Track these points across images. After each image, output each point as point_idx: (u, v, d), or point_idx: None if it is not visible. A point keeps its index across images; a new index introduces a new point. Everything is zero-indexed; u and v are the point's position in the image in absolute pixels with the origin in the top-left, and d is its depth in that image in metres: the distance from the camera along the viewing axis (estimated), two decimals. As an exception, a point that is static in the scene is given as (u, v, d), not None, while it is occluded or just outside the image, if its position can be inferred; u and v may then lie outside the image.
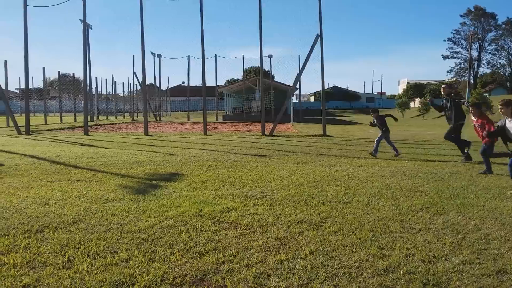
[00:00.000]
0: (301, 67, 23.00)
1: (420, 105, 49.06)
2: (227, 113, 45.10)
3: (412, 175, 8.19)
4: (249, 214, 5.21)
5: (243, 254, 3.84)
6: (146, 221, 4.87)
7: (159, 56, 42.20)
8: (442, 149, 13.14)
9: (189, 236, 4.34)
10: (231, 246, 4.08)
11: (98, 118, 39.74)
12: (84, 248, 3.97)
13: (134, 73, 41.22)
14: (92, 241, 4.17)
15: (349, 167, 9.32)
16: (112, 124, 32.75)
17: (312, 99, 77.32)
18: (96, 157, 10.69)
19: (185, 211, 5.27)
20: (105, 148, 13.02)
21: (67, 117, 39.66)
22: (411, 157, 11.10)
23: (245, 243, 4.14)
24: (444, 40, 79.64)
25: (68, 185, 7.07)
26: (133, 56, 43.75)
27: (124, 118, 47.69)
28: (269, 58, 42.20)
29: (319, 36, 19.52)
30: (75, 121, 34.75)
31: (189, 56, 42.75)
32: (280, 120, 21.66)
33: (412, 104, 59.63)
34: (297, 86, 28.29)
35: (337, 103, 71.02)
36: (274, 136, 19.27)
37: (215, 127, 27.82)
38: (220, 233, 4.48)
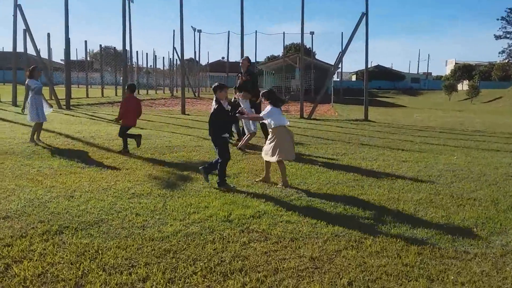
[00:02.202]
0: (344, 46, 22.04)
1: (468, 88, 46.54)
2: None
3: (463, 176, 7.47)
4: (281, 222, 4.78)
5: (272, 280, 3.43)
6: (170, 225, 4.54)
7: (199, 31, 41.83)
8: (493, 142, 12.17)
9: (214, 249, 3.96)
10: (259, 265, 3.67)
11: (138, 93, 40.12)
12: (101, 259, 3.67)
13: (174, 48, 41.23)
14: (111, 249, 3.87)
15: (393, 162, 8.67)
16: (151, 99, 32.93)
17: (353, 78, 75.17)
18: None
19: (213, 214, 4.90)
20: (141, 128, 12.85)
21: (109, 89, 40.25)
22: (461, 151, 10.27)
23: (275, 263, 3.72)
24: (497, 19, 74.60)
25: (97, 173, 6.86)
26: (173, 30, 43.71)
27: (164, 93, 48.04)
28: (310, 35, 40.96)
29: (365, 14, 18.45)
30: (116, 94, 35.18)
31: (229, 32, 42.04)
32: (319, 102, 20.92)
33: (460, 87, 56.73)
34: (339, 66, 27.25)
35: (380, 82, 68.65)
36: (313, 119, 18.64)
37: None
38: (248, 246, 4.08)
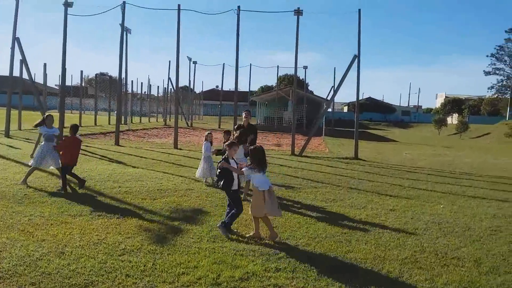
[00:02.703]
0: (336, 83, 22.49)
1: (457, 123, 47.37)
2: (259, 122, 44.83)
3: (448, 230, 7.64)
4: (269, 285, 4.87)
5: None
6: (160, 289, 4.62)
7: (195, 62, 42.46)
8: (480, 187, 12.43)
9: (202, 319, 4.04)
10: None
11: (131, 121, 40.30)
12: (90, 331, 3.74)
13: (169, 78, 41.75)
14: (100, 319, 3.94)
15: (381, 211, 8.84)
16: (144, 129, 33.08)
17: (345, 109, 76.15)
18: (121, 180, 10.61)
19: (202, 276, 4.99)
20: (133, 167, 12.97)
21: (102, 116, 40.38)
22: (447, 198, 10.48)
23: (261, 337, 3.81)
24: (487, 56, 76.59)
25: (88, 223, 6.93)
26: (169, 61, 44.28)
27: (157, 121, 48.27)
28: (303, 69, 41.72)
29: (356, 56, 18.97)
30: (109, 123, 35.34)
31: (224, 64, 42.83)
32: (311, 137, 21.20)
33: (449, 120, 57.68)
34: (331, 104, 27.76)
35: (371, 114, 69.64)
36: (304, 156, 18.86)
37: (245, 139, 27.60)
38: (235, 315, 4.17)
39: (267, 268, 5.37)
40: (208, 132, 11.82)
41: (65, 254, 5.49)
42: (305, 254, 6.01)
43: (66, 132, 10.01)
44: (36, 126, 9.91)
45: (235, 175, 6.78)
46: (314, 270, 5.42)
